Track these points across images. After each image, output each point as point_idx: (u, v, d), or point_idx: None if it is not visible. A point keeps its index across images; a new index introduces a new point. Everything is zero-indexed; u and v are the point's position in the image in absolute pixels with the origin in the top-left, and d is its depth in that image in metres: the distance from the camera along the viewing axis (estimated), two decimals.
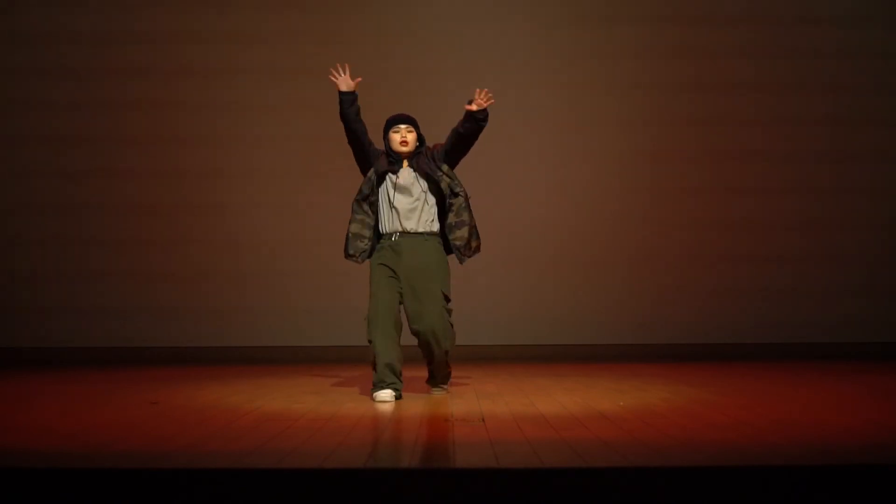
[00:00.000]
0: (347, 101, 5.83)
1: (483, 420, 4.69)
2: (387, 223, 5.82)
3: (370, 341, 5.66)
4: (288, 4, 9.26)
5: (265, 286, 9.13)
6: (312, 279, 9.12)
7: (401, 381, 5.71)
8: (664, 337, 9.12)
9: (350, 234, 5.88)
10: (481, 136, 5.87)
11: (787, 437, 4.16)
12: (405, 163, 5.85)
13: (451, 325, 5.85)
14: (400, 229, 5.79)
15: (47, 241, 9.12)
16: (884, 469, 3.42)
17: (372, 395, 5.64)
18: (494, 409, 5.16)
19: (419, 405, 5.38)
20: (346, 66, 5.88)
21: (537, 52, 9.27)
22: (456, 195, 5.82)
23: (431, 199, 5.84)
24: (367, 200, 5.84)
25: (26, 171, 9.16)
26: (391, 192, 5.79)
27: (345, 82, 5.85)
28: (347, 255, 5.89)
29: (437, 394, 5.93)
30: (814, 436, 4.18)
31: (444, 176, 5.81)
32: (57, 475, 3.41)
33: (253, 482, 3.36)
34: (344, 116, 5.85)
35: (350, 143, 5.92)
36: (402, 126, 5.84)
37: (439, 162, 5.85)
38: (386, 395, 5.57)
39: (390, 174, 5.80)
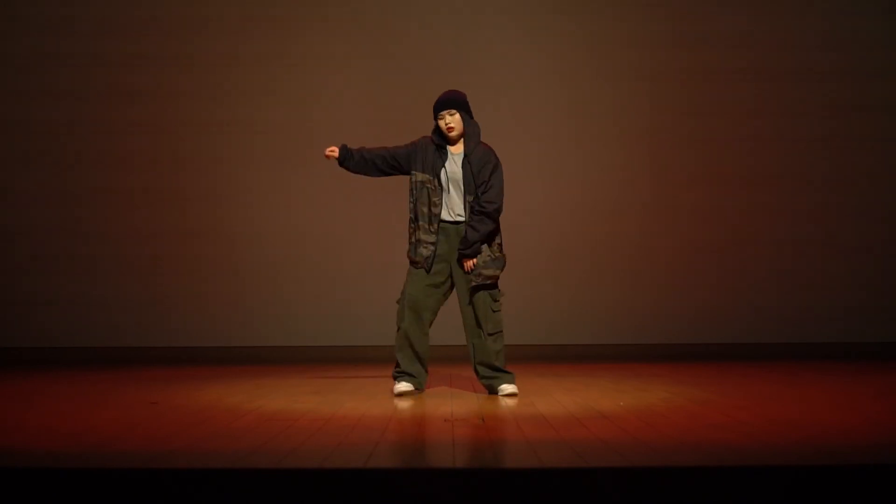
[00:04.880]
0: (343, 158, 5.82)
1: (483, 420, 4.69)
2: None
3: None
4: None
5: (265, 286, 9.12)
6: (313, 279, 9.12)
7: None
8: (664, 337, 9.12)
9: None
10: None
11: (786, 437, 4.16)
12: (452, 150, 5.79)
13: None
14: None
15: (48, 242, 9.11)
16: (884, 469, 3.42)
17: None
18: (494, 409, 5.17)
19: (419, 405, 5.38)
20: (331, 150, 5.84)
21: (538, 53, 9.25)
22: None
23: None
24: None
25: (28, 179, 9.17)
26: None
27: (333, 153, 5.83)
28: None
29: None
30: (814, 436, 4.17)
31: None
32: (57, 475, 3.41)
33: (253, 482, 3.36)
34: (354, 167, 5.84)
35: (381, 174, 5.91)
36: (445, 111, 5.75)
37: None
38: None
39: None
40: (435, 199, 5.72)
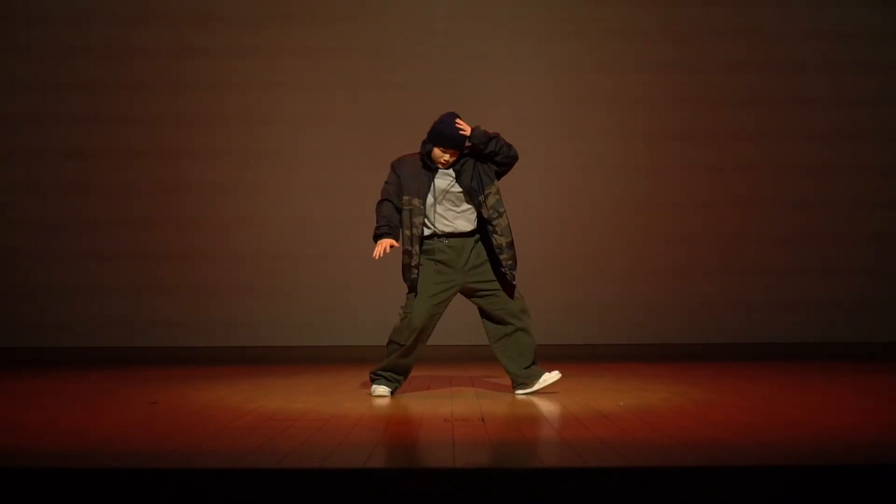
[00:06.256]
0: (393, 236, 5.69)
1: (483, 420, 4.69)
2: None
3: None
4: (288, 18, 9.24)
5: (265, 286, 9.12)
6: (313, 279, 9.11)
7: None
8: (664, 337, 9.11)
9: None
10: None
11: (786, 437, 4.16)
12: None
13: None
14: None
15: (48, 241, 9.10)
16: (884, 469, 3.42)
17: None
18: (494, 409, 5.17)
19: (419, 405, 5.38)
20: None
21: (537, 60, 9.23)
22: None
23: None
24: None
25: (29, 179, 9.16)
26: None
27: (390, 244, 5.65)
28: None
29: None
30: (814, 436, 4.18)
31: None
32: (57, 475, 3.41)
33: (253, 482, 3.36)
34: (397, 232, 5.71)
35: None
36: (450, 149, 5.65)
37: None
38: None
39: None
40: (416, 220, 5.63)
